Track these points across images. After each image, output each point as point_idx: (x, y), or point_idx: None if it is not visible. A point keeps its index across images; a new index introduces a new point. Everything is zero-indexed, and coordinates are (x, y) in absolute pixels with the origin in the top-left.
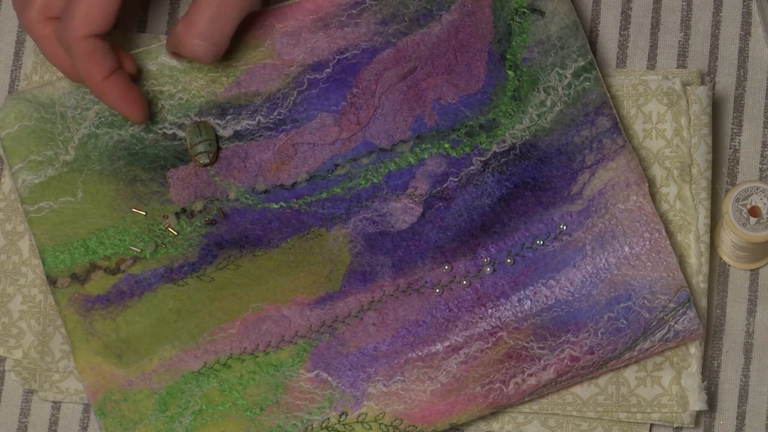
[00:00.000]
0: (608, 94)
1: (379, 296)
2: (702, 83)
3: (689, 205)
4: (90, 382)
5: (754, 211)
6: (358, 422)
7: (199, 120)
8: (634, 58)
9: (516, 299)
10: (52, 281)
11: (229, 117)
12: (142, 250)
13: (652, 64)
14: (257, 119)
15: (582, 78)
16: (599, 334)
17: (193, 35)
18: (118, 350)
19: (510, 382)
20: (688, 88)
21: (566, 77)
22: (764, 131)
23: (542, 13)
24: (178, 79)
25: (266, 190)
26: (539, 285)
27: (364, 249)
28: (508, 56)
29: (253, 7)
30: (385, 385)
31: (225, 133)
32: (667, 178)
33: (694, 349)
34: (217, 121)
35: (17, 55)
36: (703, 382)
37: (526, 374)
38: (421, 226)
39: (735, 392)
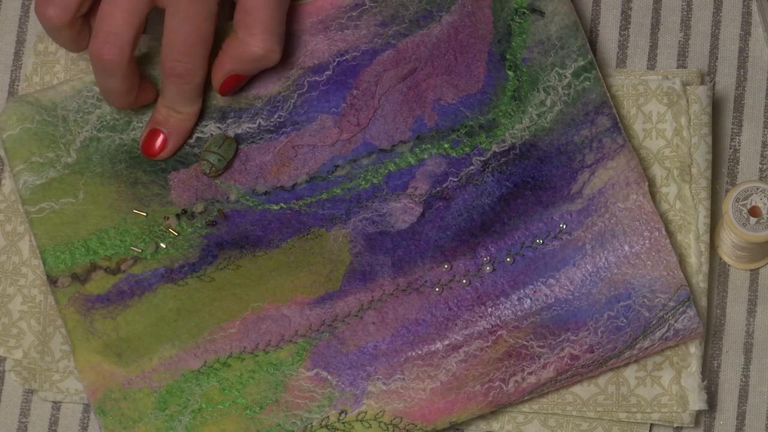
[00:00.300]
0: (608, 94)
1: (378, 295)
2: (702, 83)
3: (689, 204)
4: (90, 381)
5: (754, 211)
6: (357, 421)
7: (230, 136)
8: (634, 58)
9: (516, 298)
10: (52, 281)
11: (229, 120)
12: (142, 250)
13: (652, 64)
14: (258, 122)
15: (582, 78)
16: (599, 333)
17: (261, 33)
18: (118, 349)
19: (510, 380)
20: (688, 88)
21: (566, 77)
22: (764, 131)
23: (542, 14)
24: None
25: (266, 191)
26: (539, 284)
27: (364, 249)
28: (507, 56)
29: None
30: (384, 384)
31: None
32: (667, 177)
33: (694, 349)
34: (218, 124)
35: (17, 55)
36: (703, 381)
37: (525, 373)
38: (421, 225)
39: (735, 392)
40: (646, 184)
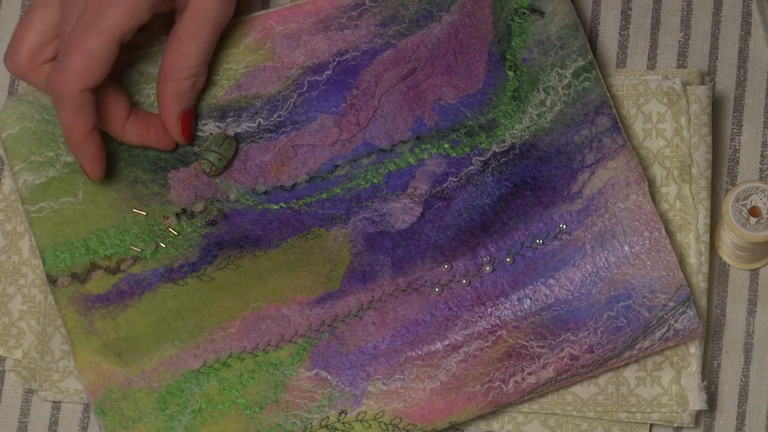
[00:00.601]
0: (608, 94)
1: (378, 295)
2: (702, 83)
3: (689, 204)
4: (89, 381)
5: (754, 211)
6: (357, 421)
7: (230, 135)
8: (634, 58)
9: (516, 298)
10: (52, 280)
11: (229, 119)
12: (142, 250)
13: (652, 64)
14: (257, 121)
15: (582, 78)
16: (599, 333)
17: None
18: (117, 349)
19: (510, 380)
20: (688, 88)
21: (566, 77)
22: (764, 131)
23: (542, 14)
24: None
25: (266, 191)
26: (539, 284)
27: (364, 249)
28: (507, 56)
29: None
30: (384, 384)
31: None
32: (667, 177)
33: (694, 349)
34: (217, 123)
35: None
36: (702, 381)
37: (525, 373)
38: (421, 225)
39: (735, 392)
40: (646, 184)
